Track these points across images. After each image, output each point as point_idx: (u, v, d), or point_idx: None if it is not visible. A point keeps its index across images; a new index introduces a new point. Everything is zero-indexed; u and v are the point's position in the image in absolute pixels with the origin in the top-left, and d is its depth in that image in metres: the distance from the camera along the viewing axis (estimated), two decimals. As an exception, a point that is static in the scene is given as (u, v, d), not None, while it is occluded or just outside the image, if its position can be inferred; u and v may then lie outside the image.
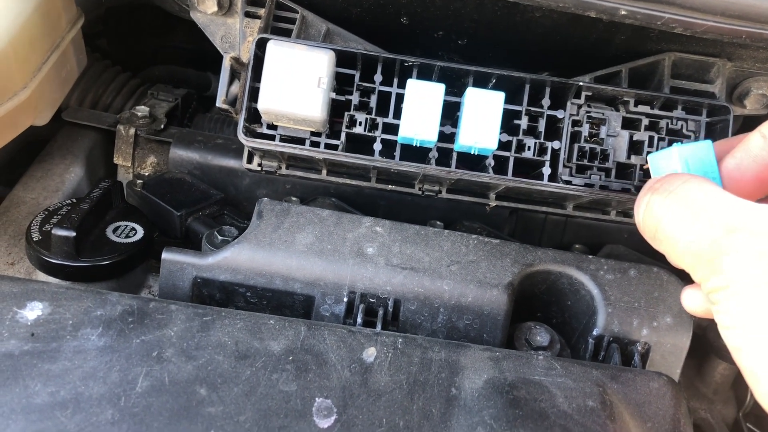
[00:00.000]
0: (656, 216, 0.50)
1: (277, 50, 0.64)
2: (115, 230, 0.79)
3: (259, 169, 0.78)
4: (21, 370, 0.54)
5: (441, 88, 0.65)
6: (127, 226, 0.80)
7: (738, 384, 0.89)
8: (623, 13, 0.60)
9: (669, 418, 0.58)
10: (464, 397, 0.57)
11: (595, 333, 0.69)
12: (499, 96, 0.65)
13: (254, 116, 0.69)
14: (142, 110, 0.99)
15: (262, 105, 0.65)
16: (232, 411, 0.54)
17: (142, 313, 0.60)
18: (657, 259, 0.75)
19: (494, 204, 0.78)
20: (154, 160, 0.99)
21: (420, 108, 0.65)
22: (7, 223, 0.86)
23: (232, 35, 0.73)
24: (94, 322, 0.58)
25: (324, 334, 0.61)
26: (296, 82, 0.64)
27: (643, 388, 0.60)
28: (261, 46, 0.66)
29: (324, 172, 0.78)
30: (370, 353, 0.60)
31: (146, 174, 0.99)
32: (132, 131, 0.98)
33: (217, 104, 0.67)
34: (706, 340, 0.85)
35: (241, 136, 0.68)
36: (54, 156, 0.96)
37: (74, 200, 0.81)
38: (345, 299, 0.69)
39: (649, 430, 0.57)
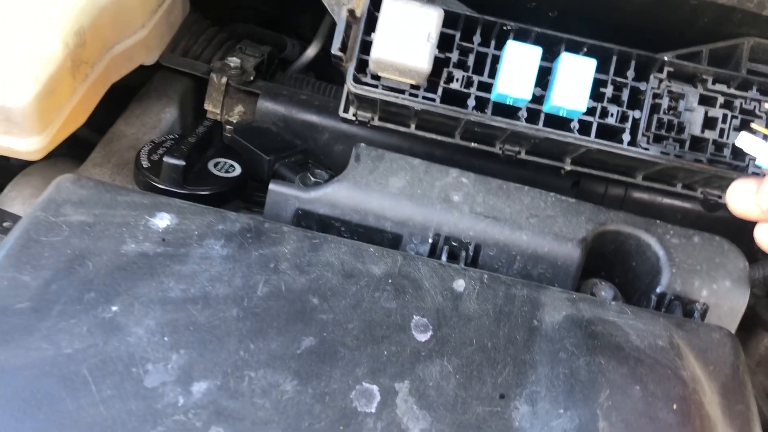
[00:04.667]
0: None
1: (392, 5, 0.70)
2: (216, 165, 0.86)
3: (353, 118, 0.84)
4: (156, 268, 0.61)
5: (538, 50, 0.71)
6: (226, 162, 0.87)
7: (780, 357, 0.94)
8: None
9: (729, 365, 0.64)
10: (545, 328, 0.63)
11: (658, 290, 0.75)
12: (591, 62, 0.71)
13: (361, 66, 0.75)
14: (234, 61, 1.06)
15: (375, 53, 0.71)
16: (341, 319, 0.60)
17: (259, 231, 0.66)
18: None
19: (569, 168, 0.83)
20: (241, 109, 1.06)
21: (517, 67, 0.71)
22: (110, 154, 0.94)
23: (342, -8, 0.79)
24: (216, 234, 0.65)
25: (418, 264, 0.67)
26: (408, 35, 0.70)
27: (705, 336, 0.66)
28: (376, 2, 0.72)
29: (413, 126, 0.84)
30: (459, 284, 0.66)
31: (234, 121, 1.05)
32: (224, 80, 1.04)
33: (333, 51, 0.73)
34: (753, 315, 0.91)
35: (350, 83, 0.74)
36: (151, 97, 1.03)
37: (178, 135, 0.88)
38: (430, 240, 0.75)
39: (711, 372, 0.63)
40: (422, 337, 0.60)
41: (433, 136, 0.85)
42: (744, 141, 0.61)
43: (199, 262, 0.62)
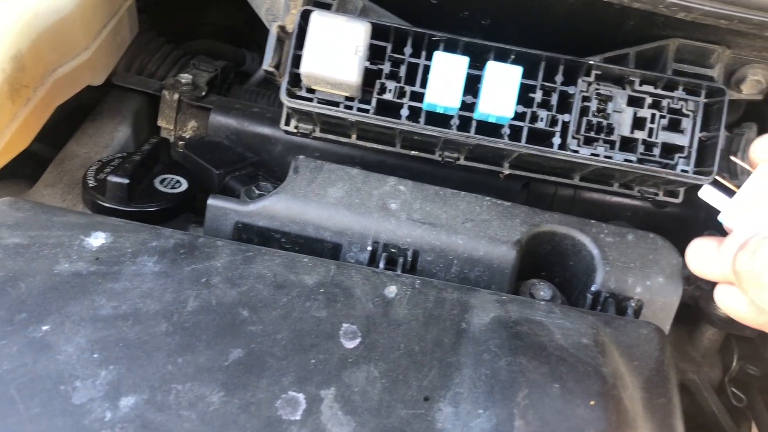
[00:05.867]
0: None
1: (319, 20, 0.72)
2: (162, 181, 0.88)
3: (295, 131, 0.86)
4: (88, 286, 0.63)
5: (465, 60, 0.73)
6: (173, 178, 0.89)
7: (725, 350, 0.96)
8: (631, -3, 0.68)
9: (654, 359, 0.66)
10: (472, 330, 0.64)
11: (593, 289, 0.77)
12: (517, 69, 0.73)
13: (295, 80, 0.76)
14: (185, 78, 1.07)
15: (304, 69, 0.72)
16: (270, 330, 0.62)
17: (192, 247, 0.68)
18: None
19: (508, 172, 0.85)
20: (194, 124, 1.08)
21: (445, 77, 0.73)
22: (62, 173, 0.95)
23: (276, 8, 0.81)
24: (150, 251, 0.67)
25: (351, 273, 0.68)
26: (336, 49, 0.72)
27: (632, 333, 0.67)
28: (305, 17, 0.74)
29: (354, 136, 0.86)
30: (391, 290, 0.67)
31: (187, 137, 1.07)
32: (176, 96, 1.06)
33: (264, 67, 0.75)
34: (697, 308, 0.92)
35: (284, 97, 0.75)
36: (104, 116, 1.04)
37: (126, 154, 0.90)
38: (369, 248, 0.77)
39: (635, 367, 0.64)
40: (350, 344, 0.62)
41: (375, 145, 0.86)
42: (707, 194, 0.59)
43: (131, 279, 0.64)
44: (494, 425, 0.55)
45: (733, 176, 0.87)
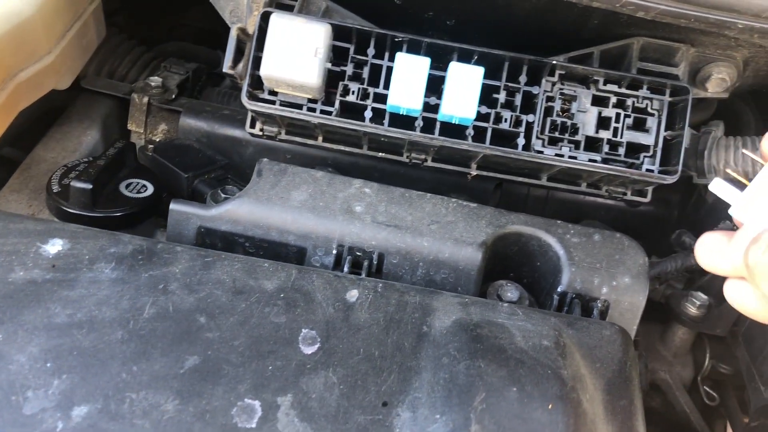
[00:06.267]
0: None
1: (278, 22, 0.71)
2: (127, 186, 0.87)
3: (260, 133, 0.85)
4: (43, 294, 0.62)
5: (426, 61, 0.72)
6: (138, 183, 0.88)
7: (696, 349, 0.96)
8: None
9: (617, 361, 0.65)
10: (433, 333, 0.64)
11: (559, 290, 0.76)
12: (479, 70, 0.72)
13: (257, 83, 0.76)
14: (155, 80, 1.06)
15: (264, 71, 0.72)
16: (228, 336, 0.61)
17: (151, 252, 0.67)
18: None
19: (475, 173, 0.85)
20: (164, 127, 1.07)
21: (407, 79, 0.72)
22: (28, 179, 0.94)
23: (240, 9, 0.81)
24: (107, 258, 0.66)
25: (312, 277, 0.68)
26: (295, 51, 0.71)
27: (595, 334, 0.67)
28: (265, 18, 0.73)
29: (320, 138, 0.85)
30: (352, 294, 0.67)
31: (157, 140, 1.06)
32: (145, 100, 1.05)
33: (224, 69, 0.74)
34: (668, 307, 0.92)
35: (245, 100, 0.75)
36: (72, 120, 1.03)
37: (91, 158, 0.89)
38: (334, 251, 0.76)
39: (597, 369, 0.64)
40: (309, 350, 0.61)
41: (342, 147, 0.86)
42: (717, 187, 0.56)
43: (87, 287, 0.63)
44: (450, 430, 0.55)
45: (700, 175, 0.87)
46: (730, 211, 0.55)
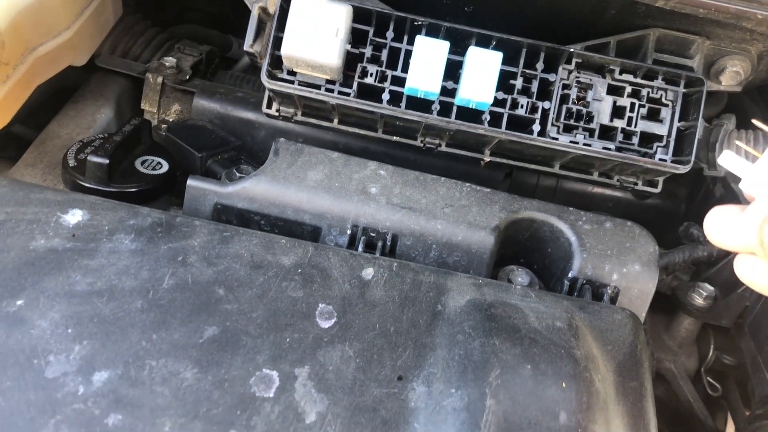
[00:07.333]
0: None
1: (301, 2, 0.72)
2: (143, 163, 0.87)
3: (276, 114, 0.86)
4: (64, 263, 0.62)
5: (446, 44, 0.73)
6: (153, 160, 0.88)
7: (701, 339, 0.97)
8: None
9: (628, 344, 0.66)
10: (448, 312, 0.65)
11: (570, 275, 0.77)
12: (498, 55, 0.73)
13: (276, 62, 0.76)
14: (170, 61, 1.07)
15: (284, 50, 0.72)
16: (246, 309, 0.62)
17: (170, 226, 0.68)
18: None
19: (488, 159, 0.85)
20: (178, 107, 1.07)
21: (426, 62, 0.73)
22: (43, 154, 0.94)
23: (259, -10, 0.81)
24: (127, 229, 0.66)
25: (329, 254, 0.69)
26: (316, 31, 0.72)
27: (607, 318, 0.68)
28: (287, -2, 0.74)
29: (335, 120, 0.86)
30: (368, 272, 0.68)
31: (170, 120, 1.06)
32: (159, 80, 1.05)
33: (245, 48, 0.75)
34: (675, 298, 0.93)
35: (264, 79, 0.75)
36: (87, 97, 1.04)
37: (107, 134, 0.89)
38: (348, 232, 0.77)
39: (609, 351, 0.65)
40: (326, 324, 0.62)
41: (357, 130, 0.87)
42: (727, 160, 0.54)
43: (107, 256, 0.64)
44: (466, 404, 0.56)
45: (711, 167, 0.88)
46: (741, 185, 0.53)
